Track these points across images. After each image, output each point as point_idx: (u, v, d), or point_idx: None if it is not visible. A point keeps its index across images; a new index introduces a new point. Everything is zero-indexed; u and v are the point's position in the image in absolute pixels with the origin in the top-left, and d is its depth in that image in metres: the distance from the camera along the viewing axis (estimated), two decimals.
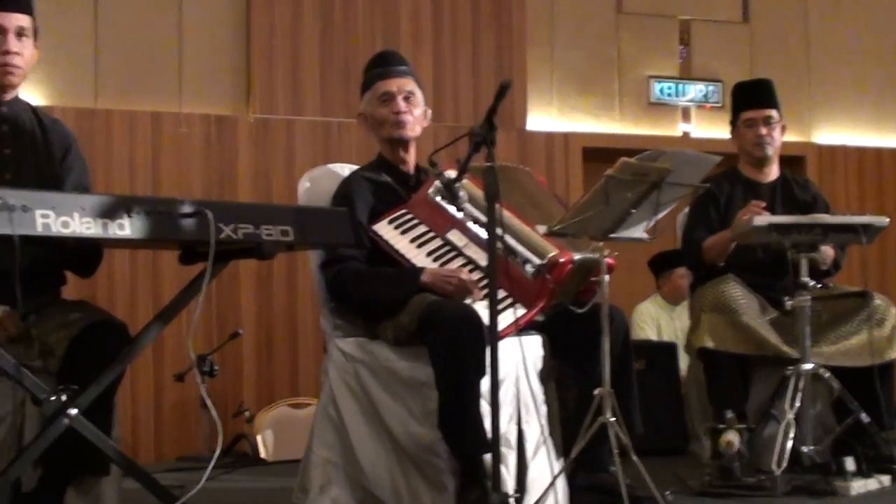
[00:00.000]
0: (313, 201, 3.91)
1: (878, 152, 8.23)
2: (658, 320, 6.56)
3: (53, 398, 2.90)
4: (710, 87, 7.83)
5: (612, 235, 3.56)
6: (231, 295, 6.38)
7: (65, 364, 3.13)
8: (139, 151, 6.43)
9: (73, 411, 2.90)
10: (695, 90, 7.82)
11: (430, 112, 3.99)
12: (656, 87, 7.74)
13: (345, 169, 4.05)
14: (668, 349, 5.54)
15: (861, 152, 8.16)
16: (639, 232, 3.64)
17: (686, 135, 7.83)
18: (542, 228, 3.59)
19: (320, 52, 6.86)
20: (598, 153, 7.46)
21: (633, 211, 3.51)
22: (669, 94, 7.77)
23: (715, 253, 4.49)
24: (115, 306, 5.64)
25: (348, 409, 3.69)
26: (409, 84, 3.90)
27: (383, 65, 3.93)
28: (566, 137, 7.41)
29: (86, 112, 6.24)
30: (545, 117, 7.43)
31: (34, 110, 3.50)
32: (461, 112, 7.08)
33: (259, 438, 5.66)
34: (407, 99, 3.87)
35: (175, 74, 6.61)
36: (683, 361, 5.38)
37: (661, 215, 3.62)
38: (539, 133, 7.34)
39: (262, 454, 5.61)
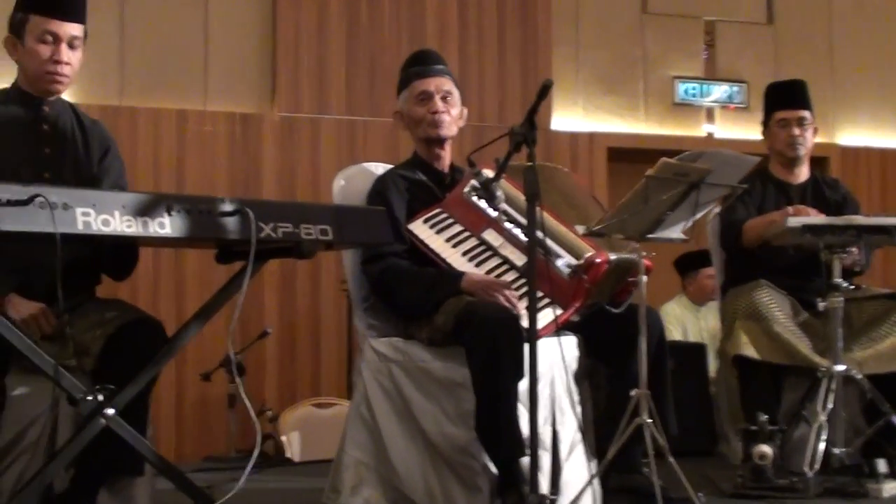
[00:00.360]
0: (348, 200, 3.89)
1: None
2: (683, 321, 6.53)
3: (90, 398, 2.87)
4: (735, 88, 7.82)
5: (649, 236, 3.54)
6: (255, 294, 6.37)
7: (100, 363, 3.12)
8: (164, 149, 6.44)
9: (110, 411, 2.87)
10: (719, 91, 7.80)
11: (466, 112, 3.98)
12: (681, 87, 7.73)
13: (379, 168, 4.03)
14: (697, 350, 5.52)
15: (884, 154, 8.13)
16: (675, 233, 3.62)
17: (710, 135, 7.81)
18: (580, 228, 3.57)
19: (346, 50, 6.87)
20: (623, 153, 7.47)
21: (670, 212, 3.49)
22: (694, 95, 7.75)
23: (755, 234, 4.43)
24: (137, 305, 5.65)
25: (382, 410, 3.67)
26: (446, 84, 3.89)
27: (421, 64, 3.92)
28: (591, 137, 7.40)
29: (111, 109, 6.26)
30: (570, 117, 7.42)
31: (74, 110, 3.49)
32: (486, 111, 7.07)
33: (285, 439, 5.65)
34: (444, 99, 3.87)
35: (201, 72, 6.62)
36: (712, 362, 5.35)
37: (699, 216, 3.60)
38: (564, 133, 7.33)
39: (288, 454, 5.60)
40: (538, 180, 3.09)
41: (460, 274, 3.60)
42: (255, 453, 2.97)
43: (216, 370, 5.55)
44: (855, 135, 8.04)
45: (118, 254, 3.36)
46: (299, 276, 6.57)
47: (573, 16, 7.55)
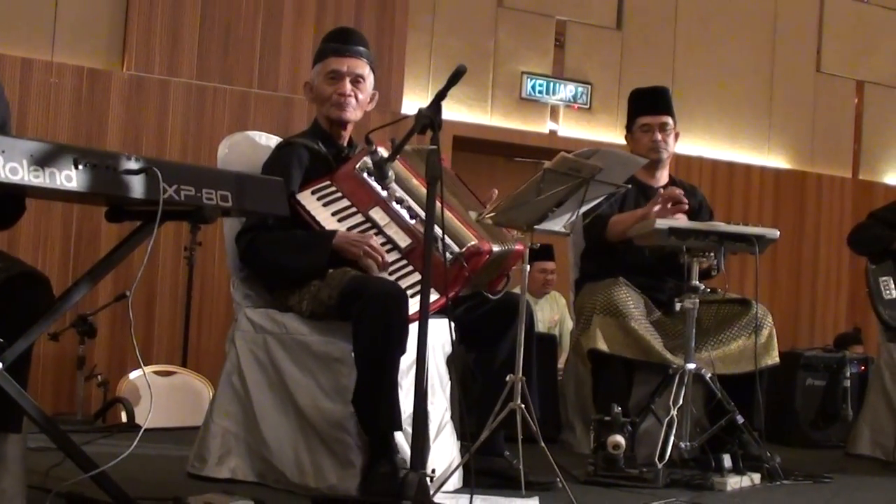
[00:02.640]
0: (228, 167, 3.83)
1: (731, 166, 8.63)
2: None
3: None
4: (580, 89, 8.03)
5: (536, 227, 3.63)
6: (93, 257, 6.18)
7: None
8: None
9: None
10: (565, 90, 8.00)
11: (377, 96, 3.95)
12: (529, 83, 7.89)
13: (262, 137, 3.99)
14: (546, 340, 5.65)
15: (715, 164, 8.53)
16: (559, 226, 3.72)
17: (553, 133, 8.00)
18: (473, 214, 3.63)
19: (202, 14, 6.76)
20: (468, 143, 7.58)
21: (556, 207, 3.59)
22: (541, 92, 7.93)
23: (620, 229, 4.52)
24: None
25: (254, 381, 3.64)
26: (360, 67, 3.84)
27: (340, 41, 3.85)
28: None
29: None
30: (420, 102, 7.45)
31: None
32: None
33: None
34: (355, 82, 3.82)
35: (50, 21, 6.39)
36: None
37: (583, 210, 3.71)
38: (412, 117, 7.36)
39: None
40: (441, 163, 3.13)
41: (332, 233, 3.59)
42: (146, 424, 2.90)
43: (66, 330, 5.37)
44: (689, 144, 8.38)
45: (6, 201, 3.20)
46: None
47: (430, 3, 7.61)
